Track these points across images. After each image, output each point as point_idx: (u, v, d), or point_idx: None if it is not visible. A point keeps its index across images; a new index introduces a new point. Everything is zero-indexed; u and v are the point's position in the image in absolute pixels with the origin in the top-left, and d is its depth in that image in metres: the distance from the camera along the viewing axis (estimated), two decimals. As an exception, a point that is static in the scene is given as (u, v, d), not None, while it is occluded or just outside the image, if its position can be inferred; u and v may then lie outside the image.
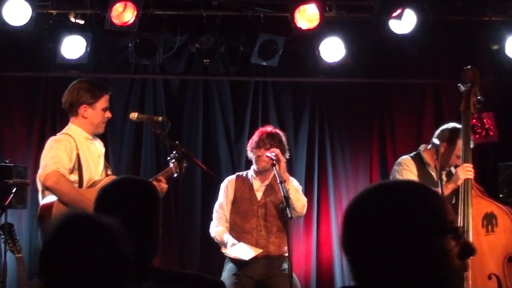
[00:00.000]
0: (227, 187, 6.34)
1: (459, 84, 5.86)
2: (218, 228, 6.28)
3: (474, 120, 7.49)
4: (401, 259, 1.75)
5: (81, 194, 5.14)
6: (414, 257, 1.75)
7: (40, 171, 5.10)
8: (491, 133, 7.54)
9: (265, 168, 6.21)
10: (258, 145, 6.15)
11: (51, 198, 5.07)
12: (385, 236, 1.76)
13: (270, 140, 6.13)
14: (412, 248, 1.75)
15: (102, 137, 7.28)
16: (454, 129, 5.86)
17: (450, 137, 5.85)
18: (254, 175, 6.32)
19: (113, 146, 7.67)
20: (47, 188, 5.03)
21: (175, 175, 5.64)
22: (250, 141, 6.32)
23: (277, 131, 6.28)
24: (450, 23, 7.58)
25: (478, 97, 5.74)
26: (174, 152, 5.67)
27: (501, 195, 7.11)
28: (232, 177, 6.43)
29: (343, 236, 1.86)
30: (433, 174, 5.91)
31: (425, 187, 1.89)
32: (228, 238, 6.17)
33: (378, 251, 1.76)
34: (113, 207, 2.71)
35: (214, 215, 6.38)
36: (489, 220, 5.55)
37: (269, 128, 6.32)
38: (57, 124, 7.28)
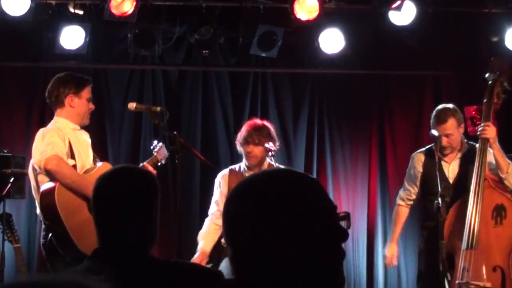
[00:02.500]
0: (220, 182, 6.24)
1: (486, 74, 5.85)
2: (202, 230, 6.26)
3: (473, 112, 7.51)
4: (285, 250, 1.70)
5: (82, 177, 5.20)
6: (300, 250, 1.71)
7: (38, 157, 5.12)
8: (492, 120, 7.51)
9: (257, 163, 6.09)
10: (247, 141, 6.03)
11: (49, 184, 5.11)
12: (268, 227, 1.70)
13: (258, 135, 6.01)
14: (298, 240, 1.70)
15: (101, 127, 7.44)
16: (434, 112, 5.98)
17: (431, 123, 5.96)
18: (247, 169, 6.19)
19: (112, 136, 7.73)
20: (48, 172, 5.06)
21: (159, 163, 5.74)
22: (239, 135, 6.18)
23: (265, 123, 6.17)
24: (450, 15, 7.59)
25: (506, 87, 5.76)
26: (156, 141, 5.83)
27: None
28: (225, 171, 6.30)
29: (225, 230, 1.82)
30: (444, 165, 5.98)
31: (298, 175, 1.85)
32: (199, 245, 6.19)
33: (259, 243, 1.71)
34: (113, 196, 2.75)
35: (209, 211, 6.33)
36: (498, 212, 5.56)
37: (257, 121, 6.23)
38: (55, 114, 7.29)
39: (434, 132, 5.84)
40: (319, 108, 8.17)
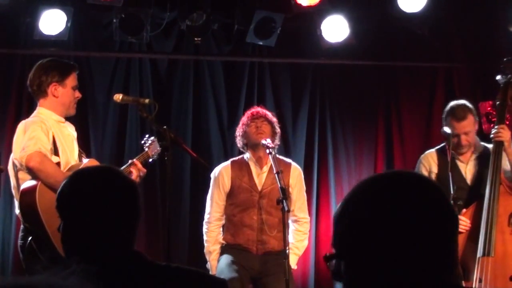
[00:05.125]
0: (222, 176, 6.16)
1: (498, 76, 5.92)
2: (208, 243, 6.22)
3: (488, 108, 7.47)
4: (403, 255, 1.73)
5: (66, 176, 4.98)
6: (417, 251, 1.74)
7: (19, 153, 5.01)
8: (507, 122, 7.42)
9: (266, 139, 6.01)
10: (255, 117, 6.16)
11: (31, 182, 4.99)
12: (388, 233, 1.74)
13: (265, 115, 6.19)
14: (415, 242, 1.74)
15: (83, 120, 7.41)
16: (446, 110, 5.99)
17: (444, 117, 5.98)
18: (254, 159, 6.19)
19: (95, 130, 7.64)
20: (30, 170, 4.95)
21: (151, 159, 5.78)
22: (241, 122, 6.29)
23: (272, 116, 6.32)
24: (465, 1, 7.63)
25: None
26: (147, 135, 5.83)
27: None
28: (226, 163, 6.27)
29: (339, 236, 1.84)
30: (460, 165, 5.99)
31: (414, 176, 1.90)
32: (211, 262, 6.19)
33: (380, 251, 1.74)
34: (88, 196, 2.71)
35: (207, 210, 6.26)
36: None
37: (259, 108, 6.41)
38: (34, 105, 7.11)
39: (447, 129, 5.84)
40: (321, 102, 8.09)
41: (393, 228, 1.73)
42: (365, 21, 7.45)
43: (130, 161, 5.54)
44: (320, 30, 7.30)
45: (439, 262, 1.74)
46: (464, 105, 5.90)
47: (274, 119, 6.24)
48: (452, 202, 5.36)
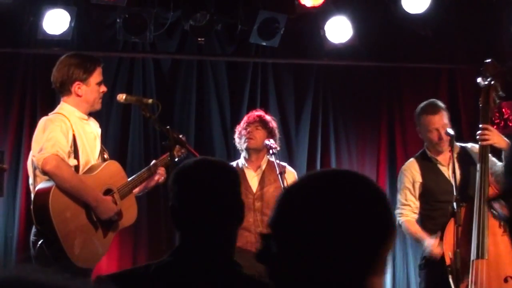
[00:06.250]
0: None
1: (478, 79, 5.90)
2: None
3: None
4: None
5: (82, 181, 5.08)
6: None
7: (36, 155, 4.97)
8: (510, 124, 7.56)
9: (257, 147, 6.19)
10: (249, 124, 6.22)
11: (47, 183, 4.98)
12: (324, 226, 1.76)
13: (262, 122, 6.23)
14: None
15: None
16: (417, 111, 6.06)
17: (417, 119, 6.05)
18: (246, 164, 6.30)
19: None
20: (46, 173, 4.93)
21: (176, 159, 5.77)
22: (238, 125, 6.38)
23: (271, 118, 6.38)
24: (468, 3, 7.61)
25: (499, 93, 5.80)
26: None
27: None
28: None
29: (276, 219, 1.86)
30: (442, 168, 5.96)
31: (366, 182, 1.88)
32: None
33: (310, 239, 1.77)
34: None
35: None
36: None
37: (259, 112, 6.43)
38: (37, 104, 7.29)
39: (450, 130, 5.83)
40: (324, 103, 8.11)
41: (322, 223, 1.75)
42: (368, 22, 7.45)
43: (153, 162, 5.58)
44: (324, 31, 7.31)
45: (360, 262, 1.76)
46: (433, 102, 6.02)
47: (273, 123, 6.30)
48: (455, 204, 5.43)
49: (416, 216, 6.03)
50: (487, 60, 5.89)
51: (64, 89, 5.26)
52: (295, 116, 8.00)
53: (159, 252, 7.04)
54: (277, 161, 5.95)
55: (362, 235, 1.75)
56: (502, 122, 7.46)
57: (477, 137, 5.66)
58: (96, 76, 5.30)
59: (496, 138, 5.64)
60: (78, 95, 5.24)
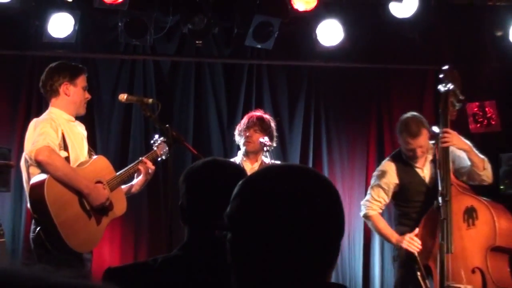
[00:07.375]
0: None
1: (438, 86, 5.97)
2: None
3: (475, 109, 7.60)
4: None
5: (75, 170, 5.22)
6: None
7: (29, 148, 5.12)
8: (493, 122, 7.54)
9: (255, 150, 6.24)
10: (249, 126, 6.22)
11: (40, 177, 5.10)
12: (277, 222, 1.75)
13: (262, 124, 6.21)
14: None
15: (90, 118, 7.29)
16: (399, 126, 6.03)
17: (398, 132, 6.05)
18: (244, 158, 6.31)
19: (100, 128, 7.71)
20: (39, 163, 5.05)
21: (159, 159, 5.82)
22: (239, 124, 6.38)
23: (270, 118, 6.37)
24: (453, 8, 7.61)
25: (459, 97, 5.87)
26: (157, 136, 5.87)
27: (502, 187, 7.27)
28: None
29: (231, 210, 1.84)
30: (418, 170, 6.03)
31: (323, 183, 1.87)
32: None
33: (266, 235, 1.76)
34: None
35: None
36: (469, 214, 5.68)
37: (259, 113, 6.41)
38: (42, 104, 7.19)
39: (435, 128, 5.89)
40: (316, 103, 8.18)
41: (274, 217, 1.74)
42: (358, 25, 7.45)
43: (140, 159, 5.67)
44: (316, 34, 7.32)
45: (315, 259, 1.76)
46: (416, 120, 5.93)
47: (272, 124, 6.29)
48: (440, 198, 5.53)
49: (381, 211, 6.16)
50: (445, 67, 5.96)
51: (53, 91, 5.44)
52: (288, 116, 8.04)
53: (158, 241, 7.13)
54: (272, 161, 5.96)
55: (314, 230, 1.75)
56: (485, 121, 7.53)
57: (439, 140, 5.75)
58: (82, 80, 5.51)
59: (456, 140, 5.76)
60: (66, 95, 5.42)
